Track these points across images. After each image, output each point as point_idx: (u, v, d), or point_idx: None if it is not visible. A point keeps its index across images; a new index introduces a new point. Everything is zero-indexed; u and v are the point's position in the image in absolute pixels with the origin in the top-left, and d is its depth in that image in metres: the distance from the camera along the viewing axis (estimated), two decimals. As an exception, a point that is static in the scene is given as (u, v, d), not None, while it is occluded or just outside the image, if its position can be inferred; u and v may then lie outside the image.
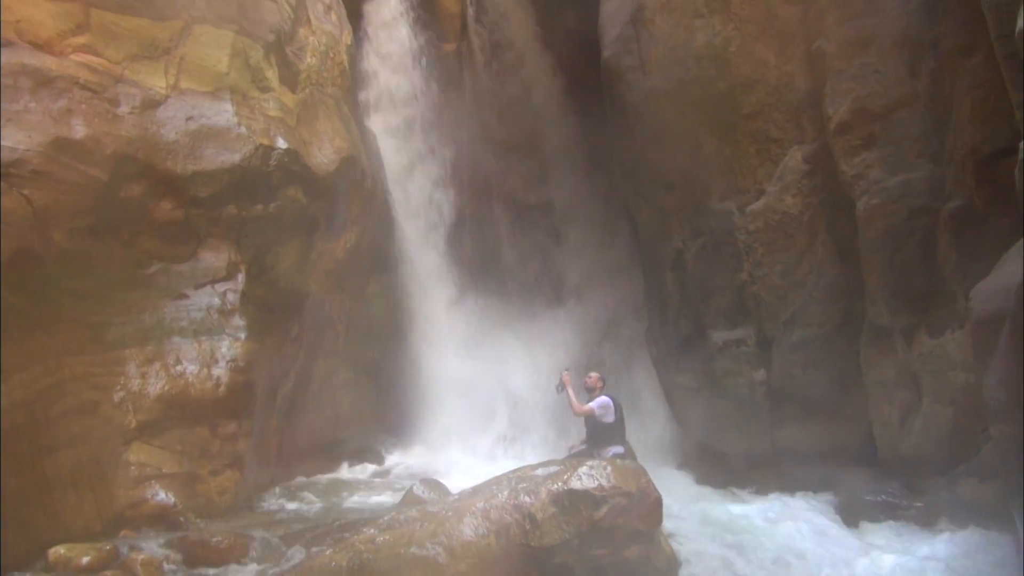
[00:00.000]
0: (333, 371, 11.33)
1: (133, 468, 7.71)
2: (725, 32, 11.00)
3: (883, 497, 8.96)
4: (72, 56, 7.68)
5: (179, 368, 8.16)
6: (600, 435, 8.97)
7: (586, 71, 14.83)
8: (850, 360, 10.08)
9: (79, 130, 7.46)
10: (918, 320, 9.26)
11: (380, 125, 13.65)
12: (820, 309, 10.35)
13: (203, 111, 8.67)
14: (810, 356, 10.35)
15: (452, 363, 13.16)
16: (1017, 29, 6.02)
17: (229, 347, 8.61)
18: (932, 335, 9.05)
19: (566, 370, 9.45)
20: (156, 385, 7.96)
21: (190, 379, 8.19)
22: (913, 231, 9.30)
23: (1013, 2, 6.58)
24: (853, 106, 9.70)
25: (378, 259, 12.36)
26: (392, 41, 14.43)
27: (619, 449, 8.85)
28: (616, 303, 14.42)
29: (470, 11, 15.67)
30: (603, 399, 9.00)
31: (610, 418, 8.94)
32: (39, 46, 7.44)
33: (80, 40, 7.79)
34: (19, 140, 6.95)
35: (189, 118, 8.53)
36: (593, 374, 9.47)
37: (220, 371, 8.41)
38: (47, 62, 7.42)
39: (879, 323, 9.64)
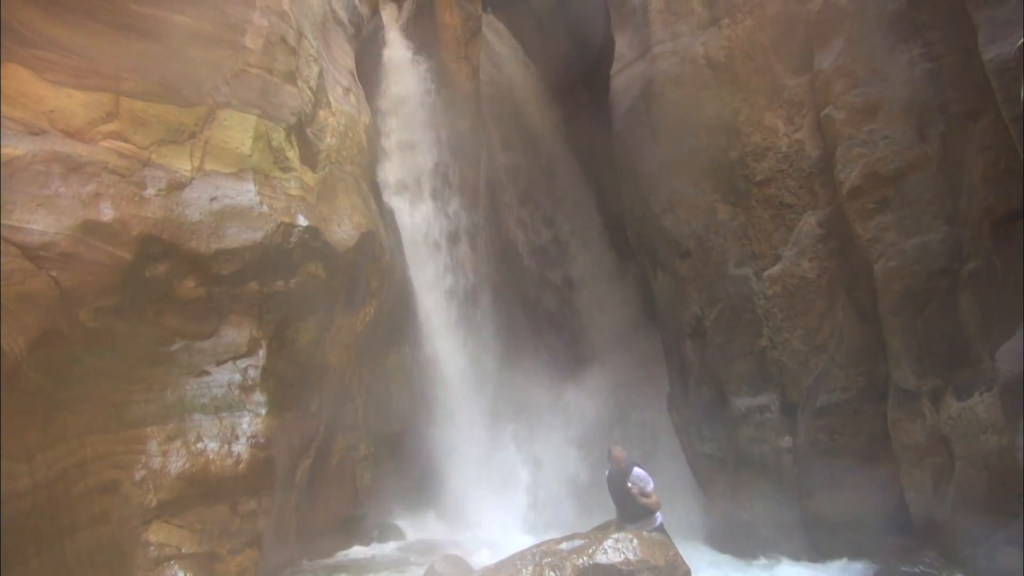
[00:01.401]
0: (353, 445, 11.26)
1: (153, 548, 7.61)
2: (734, 103, 11.26)
3: (920, 568, 8.67)
4: (102, 143, 7.93)
5: (200, 445, 8.14)
6: (639, 508, 8.42)
7: (598, 142, 15.18)
8: (877, 425, 9.91)
9: (107, 213, 7.65)
10: (944, 382, 9.13)
11: (397, 198, 13.93)
12: (843, 373, 10.24)
13: (227, 191, 8.88)
14: (836, 421, 10.19)
15: (473, 435, 13.06)
16: (1023, 93, 6.12)
17: (250, 423, 8.58)
18: (960, 397, 8.90)
19: (631, 484, 8.43)
20: (177, 463, 7.92)
21: (211, 456, 8.15)
22: (933, 293, 9.26)
23: (1017, 67, 6.72)
24: (864, 171, 9.80)
25: (397, 332, 12.41)
26: (409, 118, 14.83)
27: (660, 518, 8.41)
28: (637, 371, 14.34)
29: (485, 90, 16.14)
30: (644, 474, 8.47)
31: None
32: (71, 134, 7.70)
33: (110, 127, 8.06)
34: (49, 224, 7.15)
35: (213, 198, 8.74)
36: (618, 449, 8.92)
37: (240, 448, 8.37)
38: (78, 149, 7.67)
39: (905, 386, 9.50)
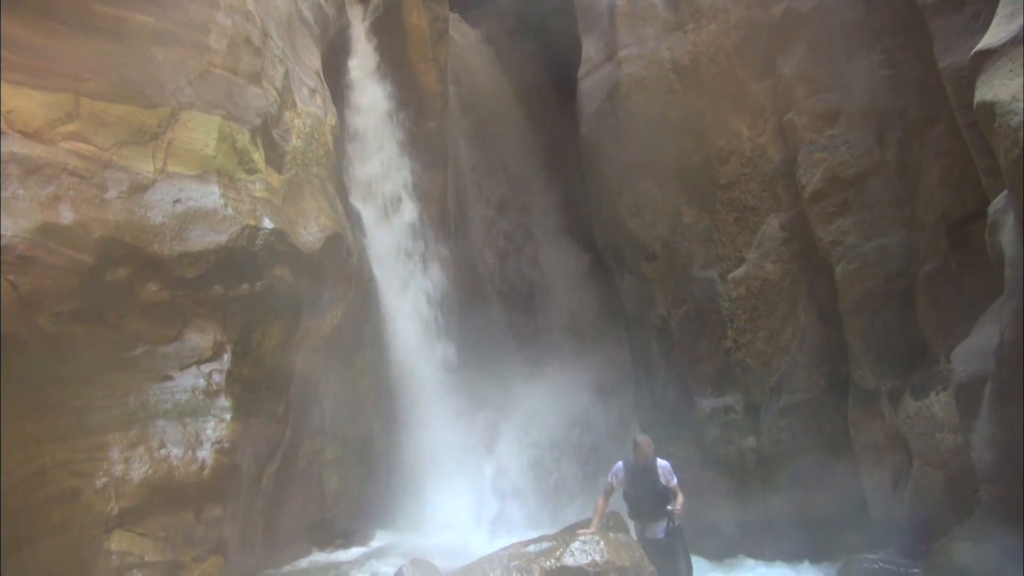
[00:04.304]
0: (320, 450, 11.16)
1: (115, 557, 7.48)
2: (699, 106, 11.40)
3: (879, 564, 8.84)
4: (61, 144, 7.79)
5: (163, 452, 8.01)
6: (657, 506, 7.92)
7: (565, 144, 15.27)
8: (838, 424, 10.11)
9: (66, 215, 7.51)
10: (902, 382, 9.35)
11: (363, 200, 13.86)
12: (805, 374, 10.43)
13: (190, 193, 8.76)
14: (798, 421, 10.38)
15: (441, 438, 13.02)
16: (975, 102, 6.30)
17: (214, 428, 8.47)
18: (917, 397, 9.12)
19: (677, 513, 7.95)
20: (140, 470, 7.79)
21: (174, 463, 8.03)
22: (892, 294, 9.48)
23: (971, 75, 6.89)
24: (825, 175, 10.00)
25: (364, 335, 12.34)
26: (376, 119, 14.76)
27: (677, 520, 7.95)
28: (604, 372, 14.43)
29: (452, 89, 16.12)
30: (669, 467, 8.01)
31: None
32: (29, 135, 7.55)
33: (70, 128, 7.91)
34: (6, 227, 6.99)
35: (176, 201, 8.61)
36: (644, 438, 8.23)
37: (205, 453, 8.26)
38: (36, 150, 7.53)
39: (864, 386, 9.71)
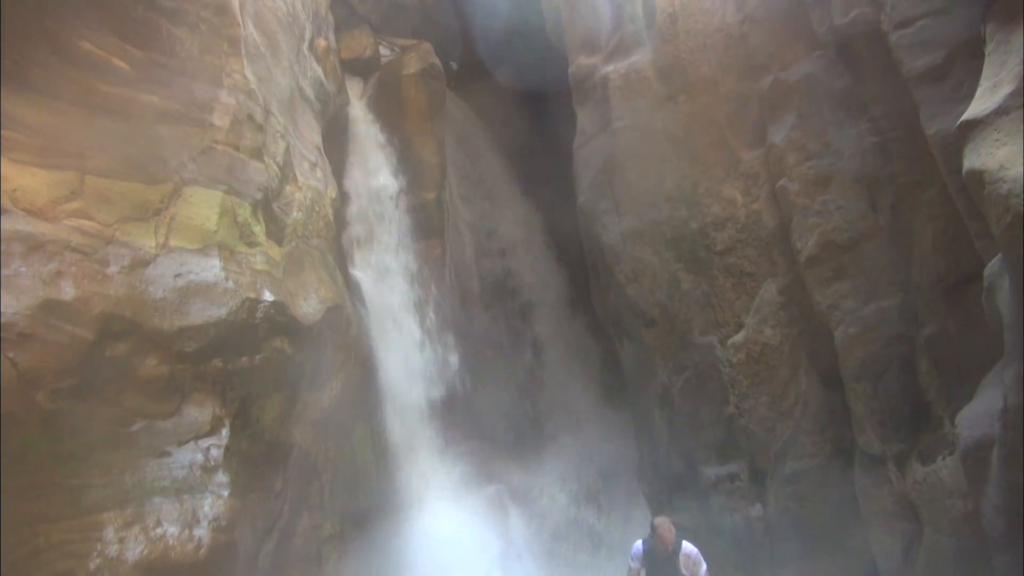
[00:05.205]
0: (318, 525, 10.91)
1: (106, 643, 7.25)
2: (693, 175, 11.60)
3: (895, 637, 8.60)
4: (65, 221, 7.86)
5: (159, 531, 7.83)
6: None
7: (562, 213, 15.45)
8: (846, 490, 9.95)
9: (68, 291, 7.53)
10: (908, 447, 9.23)
11: (363, 271, 13.95)
12: (810, 440, 10.31)
13: (191, 267, 8.80)
14: (805, 488, 10.21)
15: (443, 511, 12.78)
16: (964, 170, 6.42)
17: (211, 505, 8.30)
18: (924, 462, 9.00)
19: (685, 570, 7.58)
20: (135, 550, 7.59)
21: (170, 542, 7.83)
22: (892, 358, 9.45)
23: (958, 144, 7.04)
24: (820, 240, 10.09)
25: (364, 406, 12.23)
26: (375, 191, 14.98)
27: None
28: (607, 441, 14.29)
29: (450, 163, 16.43)
30: (697, 553, 7.51)
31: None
32: (33, 212, 7.63)
33: (73, 205, 8.01)
34: (8, 304, 7.00)
35: (177, 275, 8.65)
36: (664, 521, 7.79)
37: (202, 532, 8.06)
38: (40, 227, 7.60)
39: (869, 451, 9.59)
